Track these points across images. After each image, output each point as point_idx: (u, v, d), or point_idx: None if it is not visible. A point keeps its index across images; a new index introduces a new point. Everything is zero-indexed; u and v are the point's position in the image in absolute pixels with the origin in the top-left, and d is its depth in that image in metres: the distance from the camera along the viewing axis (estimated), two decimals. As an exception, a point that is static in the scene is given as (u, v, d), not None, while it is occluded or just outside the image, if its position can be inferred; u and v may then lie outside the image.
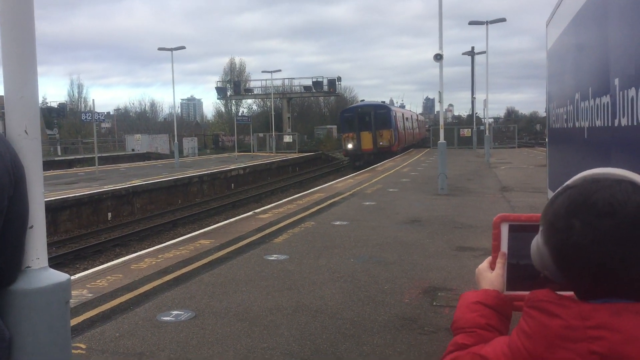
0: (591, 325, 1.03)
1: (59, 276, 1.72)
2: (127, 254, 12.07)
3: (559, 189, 1.16)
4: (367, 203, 13.60)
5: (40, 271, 1.69)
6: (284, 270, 7.26)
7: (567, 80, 4.18)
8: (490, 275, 1.41)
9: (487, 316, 1.33)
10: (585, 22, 3.40)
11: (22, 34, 1.67)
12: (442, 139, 15.74)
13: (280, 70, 47.88)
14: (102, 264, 10.59)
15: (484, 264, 1.45)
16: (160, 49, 32.87)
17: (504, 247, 1.41)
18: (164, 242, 10.14)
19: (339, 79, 53.47)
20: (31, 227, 1.66)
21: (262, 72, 51.98)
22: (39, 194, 1.69)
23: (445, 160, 15.36)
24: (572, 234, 1.06)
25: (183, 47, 32.59)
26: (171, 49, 32.20)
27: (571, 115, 4.02)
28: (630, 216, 1.02)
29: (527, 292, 1.33)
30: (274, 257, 8.03)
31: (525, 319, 1.13)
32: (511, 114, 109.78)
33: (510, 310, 1.38)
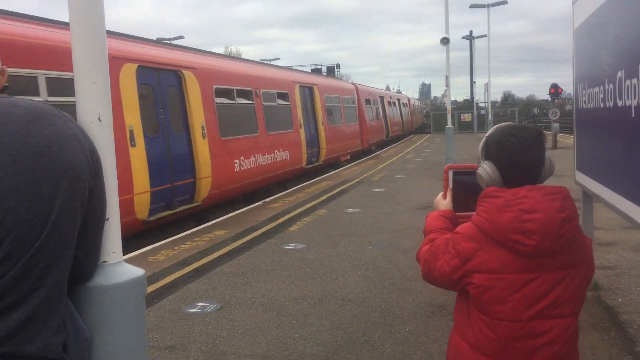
0: (519, 197, 1.83)
1: (135, 271, 1.63)
2: (132, 248, 11.99)
3: (485, 137, 2.03)
4: (377, 190, 13.52)
5: (116, 265, 1.60)
6: (303, 259, 7.19)
7: (605, 58, 4.08)
8: (444, 201, 2.25)
9: (447, 224, 2.15)
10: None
11: (91, 14, 1.57)
12: (449, 124, 15.63)
13: (279, 59, 47.60)
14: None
15: (439, 196, 2.29)
16: (159, 39, 32.62)
17: (450, 184, 2.23)
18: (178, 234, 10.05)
19: (338, 66, 53.06)
20: (107, 219, 1.57)
21: (261, 60, 51.70)
22: (114, 185, 1.59)
23: (453, 145, 15.26)
24: (510, 146, 1.89)
25: (182, 37, 32.50)
26: (169, 39, 31.94)
27: (611, 94, 3.93)
28: (529, 137, 1.90)
29: (466, 213, 2.17)
30: (291, 246, 7.96)
31: (481, 204, 1.91)
32: (508, 98, 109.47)
33: (457, 222, 2.14)
